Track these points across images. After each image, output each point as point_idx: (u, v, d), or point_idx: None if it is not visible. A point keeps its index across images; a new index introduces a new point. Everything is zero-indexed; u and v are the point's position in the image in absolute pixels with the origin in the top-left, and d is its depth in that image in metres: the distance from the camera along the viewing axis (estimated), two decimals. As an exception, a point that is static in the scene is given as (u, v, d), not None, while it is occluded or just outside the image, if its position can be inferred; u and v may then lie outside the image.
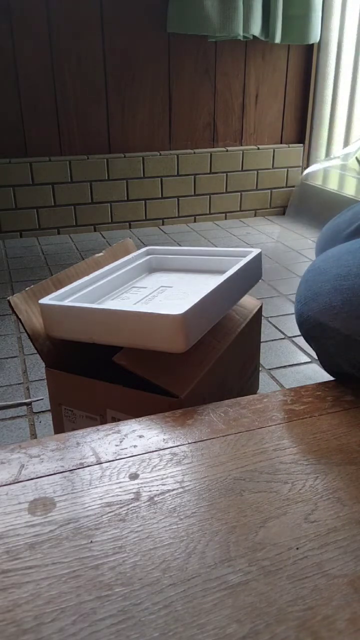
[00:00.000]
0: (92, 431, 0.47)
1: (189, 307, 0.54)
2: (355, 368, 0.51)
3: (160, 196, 2.04)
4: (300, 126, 2.16)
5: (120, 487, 0.40)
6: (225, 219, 2.16)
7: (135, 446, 0.45)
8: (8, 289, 1.49)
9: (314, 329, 0.52)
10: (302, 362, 1.08)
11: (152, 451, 0.44)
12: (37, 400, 0.95)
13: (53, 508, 0.38)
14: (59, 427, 0.66)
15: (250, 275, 0.70)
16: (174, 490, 0.40)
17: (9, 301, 0.60)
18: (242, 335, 0.70)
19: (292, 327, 1.23)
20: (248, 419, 0.48)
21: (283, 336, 1.18)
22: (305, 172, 2.03)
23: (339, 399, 0.52)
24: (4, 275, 1.58)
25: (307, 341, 0.54)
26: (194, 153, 2.03)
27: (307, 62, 2.07)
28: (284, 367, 1.06)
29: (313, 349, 0.54)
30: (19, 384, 1.01)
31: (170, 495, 0.39)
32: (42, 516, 0.38)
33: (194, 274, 0.76)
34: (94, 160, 1.92)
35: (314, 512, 0.38)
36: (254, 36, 1.88)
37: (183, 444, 0.45)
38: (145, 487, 0.40)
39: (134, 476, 0.41)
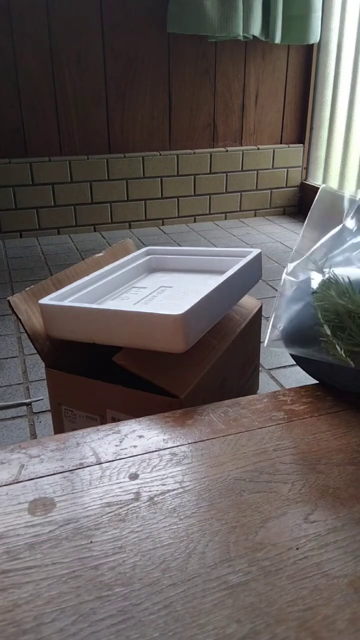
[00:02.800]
0: (92, 431, 0.47)
1: (189, 307, 0.54)
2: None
3: (160, 196, 2.04)
4: (300, 126, 2.16)
5: (120, 487, 0.40)
6: (225, 219, 2.16)
7: (135, 446, 0.45)
8: (8, 289, 1.49)
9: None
10: (302, 362, 1.08)
11: (152, 451, 0.44)
12: (37, 400, 0.95)
13: (53, 508, 0.38)
14: (59, 427, 0.66)
15: (250, 275, 0.70)
16: (174, 490, 0.40)
17: (9, 301, 0.60)
18: (242, 335, 0.70)
19: (292, 327, 1.22)
20: (248, 419, 0.48)
21: (283, 336, 1.18)
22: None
23: (339, 399, 0.52)
24: (4, 275, 1.58)
25: None
26: (194, 153, 2.03)
27: (307, 62, 2.07)
28: (284, 367, 1.06)
29: None
30: (19, 384, 1.01)
31: (170, 495, 0.39)
32: (42, 516, 0.38)
33: (194, 274, 0.76)
34: (94, 161, 1.92)
35: (314, 512, 0.38)
36: (254, 36, 1.88)
37: (183, 444, 0.45)
38: (145, 487, 0.40)
39: (134, 476, 0.41)
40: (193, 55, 1.93)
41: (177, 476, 0.41)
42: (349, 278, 0.52)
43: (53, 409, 0.66)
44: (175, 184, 2.05)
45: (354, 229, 0.60)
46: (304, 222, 0.63)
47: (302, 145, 2.16)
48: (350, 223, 0.60)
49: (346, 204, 0.61)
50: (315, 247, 0.59)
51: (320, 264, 0.57)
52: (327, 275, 0.54)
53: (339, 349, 0.48)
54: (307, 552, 0.35)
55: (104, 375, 0.61)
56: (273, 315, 0.55)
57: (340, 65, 1.97)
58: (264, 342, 0.56)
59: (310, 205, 0.62)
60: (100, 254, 0.76)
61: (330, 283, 0.53)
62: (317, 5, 1.89)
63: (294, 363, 1.08)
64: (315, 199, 0.61)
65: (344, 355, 0.48)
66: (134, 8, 1.80)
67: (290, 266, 0.58)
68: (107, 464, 0.43)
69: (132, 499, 0.39)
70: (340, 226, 0.60)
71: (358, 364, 0.48)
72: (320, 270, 0.56)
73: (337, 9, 1.95)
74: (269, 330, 0.55)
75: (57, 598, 0.32)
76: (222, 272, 0.66)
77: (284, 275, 0.58)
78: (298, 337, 0.52)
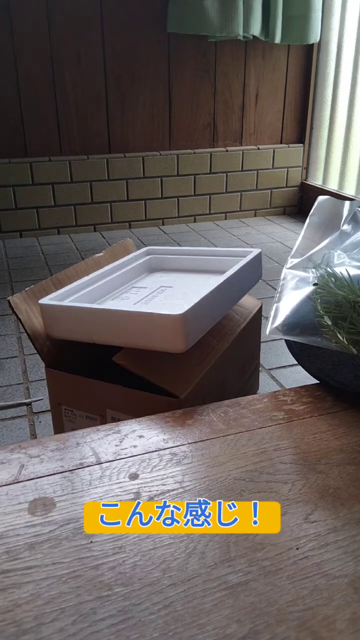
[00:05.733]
0: (92, 431, 0.47)
1: (189, 307, 0.54)
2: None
3: (160, 196, 2.04)
4: (300, 126, 2.16)
5: (120, 487, 0.40)
6: (225, 219, 2.16)
7: (135, 446, 0.45)
8: (8, 289, 1.49)
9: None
10: (302, 362, 1.08)
11: (152, 451, 0.44)
12: (37, 400, 0.95)
13: (53, 508, 0.38)
14: (59, 427, 0.66)
15: (250, 275, 0.70)
16: (174, 490, 0.40)
17: (9, 301, 0.60)
18: (242, 335, 0.70)
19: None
20: (248, 419, 0.48)
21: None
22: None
23: (339, 399, 0.52)
24: (4, 275, 1.58)
25: None
26: (194, 153, 2.03)
27: (307, 62, 2.07)
28: (284, 367, 1.06)
29: None
30: (19, 384, 1.01)
31: (170, 495, 0.39)
32: (42, 516, 0.38)
33: (194, 274, 0.76)
34: (94, 160, 1.92)
35: (314, 512, 0.38)
36: (254, 36, 1.88)
37: (183, 444, 0.45)
38: (145, 487, 0.40)
39: (134, 476, 0.41)
40: (193, 55, 1.93)
41: (177, 476, 0.41)
42: (347, 271, 0.53)
43: (53, 409, 0.66)
44: (175, 184, 2.05)
45: (351, 231, 0.61)
46: (304, 222, 0.64)
47: (302, 145, 2.16)
48: (347, 226, 0.62)
49: (344, 210, 0.62)
50: (314, 250, 0.60)
51: (318, 263, 0.58)
52: (325, 270, 0.55)
53: (341, 337, 0.49)
54: (307, 552, 0.35)
55: (104, 375, 0.61)
56: (274, 307, 0.55)
57: (340, 65, 1.97)
58: (265, 331, 0.56)
59: (311, 205, 0.63)
60: (100, 254, 0.76)
61: (328, 276, 0.54)
62: (317, 5, 1.89)
63: (294, 363, 1.08)
64: (313, 208, 0.63)
65: (346, 342, 0.48)
66: (134, 8, 1.80)
67: (291, 260, 0.59)
68: (107, 464, 0.43)
69: (132, 499, 0.39)
70: (339, 231, 0.61)
71: None
72: (318, 267, 0.56)
73: (337, 9, 1.95)
74: (270, 320, 0.55)
75: (57, 598, 0.32)
76: (222, 272, 0.66)
77: (284, 269, 0.58)
78: (300, 327, 0.53)
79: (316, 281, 0.55)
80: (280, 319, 0.54)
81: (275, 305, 0.56)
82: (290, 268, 0.58)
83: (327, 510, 0.38)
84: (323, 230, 0.61)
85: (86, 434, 0.46)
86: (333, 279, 0.53)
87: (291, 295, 0.56)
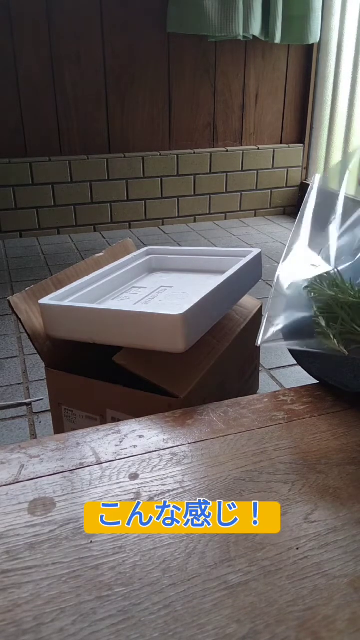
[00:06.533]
0: (92, 431, 0.47)
1: (189, 307, 0.54)
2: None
3: (160, 196, 2.04)
4: (300, 126, 2.16)
5: (120, 487, 0.40)
6: (225, 219, 2.16)
7: (135, 446, 0.45)
8: (8, 289, 1.49)
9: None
10: (302, 362, 1.08)
11: (152, 451, 0.44)
12: (37, 400, 0.95)
13: (53, 508, 0.38)
14: (59, 427, 0.66)
15: (250, 275, 0.70)
16: (174, 490, 0.40)
17: (9, 301, 0.60)
18: (242, 335, 0.70)
19: (292, 327, 1.22)
20: (248, 419, 0.48)
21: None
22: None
23: (339, 399, 0.52)
24: (4, 275, 1.58)
25: None
26: (194, 153, 2.03)
27: (307, 62, 2.07)
28: (284, 367, 1.06)
29: None
30: (19, 384, 1.01)
31: (170, 495, 0.39)
32: (42, 516, 0.37)
33: (194, 274, 0.75)
34: (94, 160, 1.92)
35: (314, 512, 0.38)
36: (254, 36, 1.88)
37: (183, 444, 0.45)
38: (145, 487, 0.40)
39: (134, 476, 0.41)
40: (193, 55, 1.93)
41: (177, 476, 0.41)
42: (337, 269, 0.53)
43: (53, 409, 0.66)
44: (175, 184, 2.05)
45: (347, 227, 0.61)
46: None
47: (302, 145, 2.16)
48: (342, 221, 0.61)
49: (340, 202, 0.62)
50: (306, 242, 0.59)
51: (312, 263, 0.57)
52: (320, 270, 0.55)
53: (332, 338, 0.48)
54: (307, 552, 0.35)
55: (104, 375, 0.61)
56: (267, 314, 0.55)
57: (340, 65, 1.96)
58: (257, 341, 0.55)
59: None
60: (100, 254, 0.76)
61: (322, 276, 0.53)
62: (317, 5, 1.89)
63: (294, 363, 1.07)
64: (304, 201, 0.61)
65: (337, 344, 0.48)
66: (134, 8, 1.80)
67: (283, 263, 0.58)
68: (107, 464, 0.43)
69: (132, 499, 0.39)
70: (333, 224, 0.61)
71: (352, 352, 0.48)
72: (312, 266, 0.56)
73: (337, 9, 1.95)
74: (262, 328, 0.54)
75: (57, 598, 0.32)
76: (222, 272, 0.66)
77: (277, 273, 0.58)
78: (296, 332, 0.53)
79: (306, 284, 0.54)
80: (275, 326, 0.54)
81: (267, 312, 0.55)
82: (283, 270, 0.58)
83: (327, 510, 0.38)
84: (315, 222, 0.60)
85: (86, 434, 0.46)
86: (326, 278, 0.53)
87: (285, 299, 0.56)
